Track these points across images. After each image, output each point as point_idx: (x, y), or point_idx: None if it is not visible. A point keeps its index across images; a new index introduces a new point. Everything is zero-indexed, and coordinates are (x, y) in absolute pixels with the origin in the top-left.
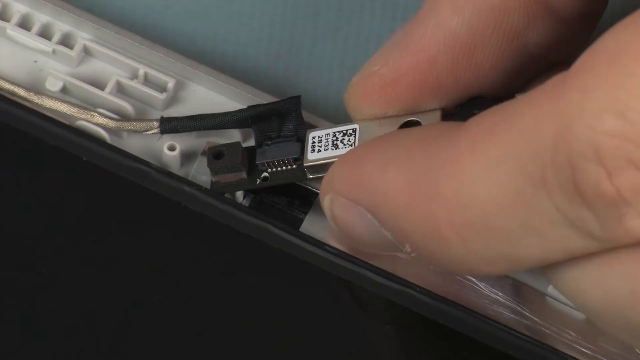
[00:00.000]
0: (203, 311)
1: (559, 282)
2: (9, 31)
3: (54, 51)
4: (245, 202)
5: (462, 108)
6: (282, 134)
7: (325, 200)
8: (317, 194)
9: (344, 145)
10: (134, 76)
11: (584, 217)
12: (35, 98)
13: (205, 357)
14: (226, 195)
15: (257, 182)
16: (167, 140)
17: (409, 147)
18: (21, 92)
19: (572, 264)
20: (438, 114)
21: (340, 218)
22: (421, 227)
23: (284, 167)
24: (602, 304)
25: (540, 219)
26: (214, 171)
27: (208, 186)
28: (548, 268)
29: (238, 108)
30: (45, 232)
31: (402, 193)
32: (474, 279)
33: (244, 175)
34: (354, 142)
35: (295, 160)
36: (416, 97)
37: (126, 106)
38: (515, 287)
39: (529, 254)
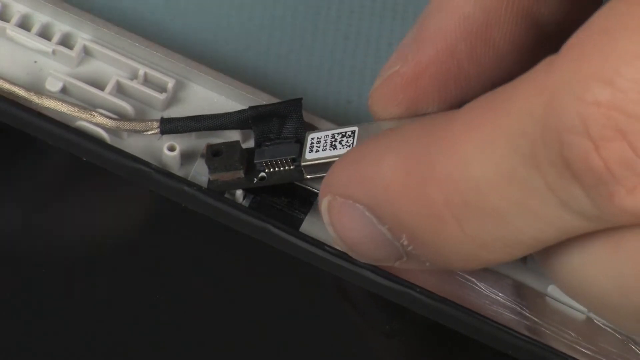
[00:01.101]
0: (203, 311)
1: (562, 272)
2: (9, 31)
3: (53, 51)
4: (245, 203)
5: None
6: (281, 135)
7: (324, 203)
8: (316, 194)
9: (342, 146)
10: (133, 76)
11: (575, 195)
12: (35, 98)
13: (205, 356)
14: (226, 195)
15: (254, 182)
16: (167, 140)
17: (406, 137)
18: (21, 92)
19: (576, 251)
20: None
21: (337, 220)
22: (418, 211)
23: (281, 167)
24: (608, 290)
25: (533, 198)
26: (212, 169)
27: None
28: (550, 258)
29: (238, 108)
30: (45, 232)
31: (399, 180)
32: (473, 279)
33: (241, 174)
34: (352, 143)
35: (293, 160)
36: (441, 90)
37: (126, 106)
38: (515, 287)
39: (524, 234)
